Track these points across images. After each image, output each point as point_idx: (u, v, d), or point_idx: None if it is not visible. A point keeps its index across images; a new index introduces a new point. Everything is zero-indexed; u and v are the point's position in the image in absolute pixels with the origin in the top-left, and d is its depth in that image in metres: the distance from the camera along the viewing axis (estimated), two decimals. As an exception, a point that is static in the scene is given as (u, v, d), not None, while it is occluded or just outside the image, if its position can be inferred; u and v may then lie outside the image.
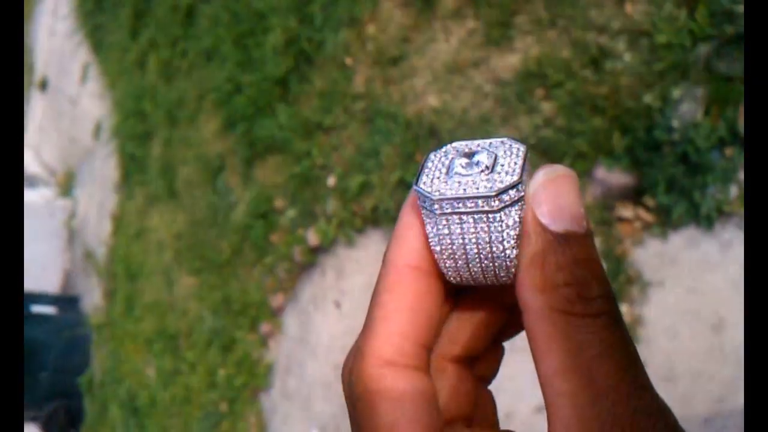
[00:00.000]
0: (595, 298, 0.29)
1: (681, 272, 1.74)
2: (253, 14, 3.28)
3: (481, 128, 2.14)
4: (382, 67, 2.55)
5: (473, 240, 0.31)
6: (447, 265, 0.32)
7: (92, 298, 5.09)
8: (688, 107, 1.71)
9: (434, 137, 2.31)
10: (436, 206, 0.30)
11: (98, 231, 5.09)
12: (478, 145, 0.32)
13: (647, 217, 1.79)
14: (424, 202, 0.31)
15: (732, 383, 1.64)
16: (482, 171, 0.30)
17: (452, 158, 0.32)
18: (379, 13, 2.59)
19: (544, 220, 0.29)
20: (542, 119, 2.00)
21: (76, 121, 5.80)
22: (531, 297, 0.29)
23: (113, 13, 5.12)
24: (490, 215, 0.30)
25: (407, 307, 0.32)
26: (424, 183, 0.31)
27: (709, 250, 1.70)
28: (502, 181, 0.30)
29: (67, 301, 5.53)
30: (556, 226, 0.29)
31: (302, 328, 2.85)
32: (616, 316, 0.29)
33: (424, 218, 0.32)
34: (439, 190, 0.30)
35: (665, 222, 1.76)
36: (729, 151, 1.65)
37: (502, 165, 0.30)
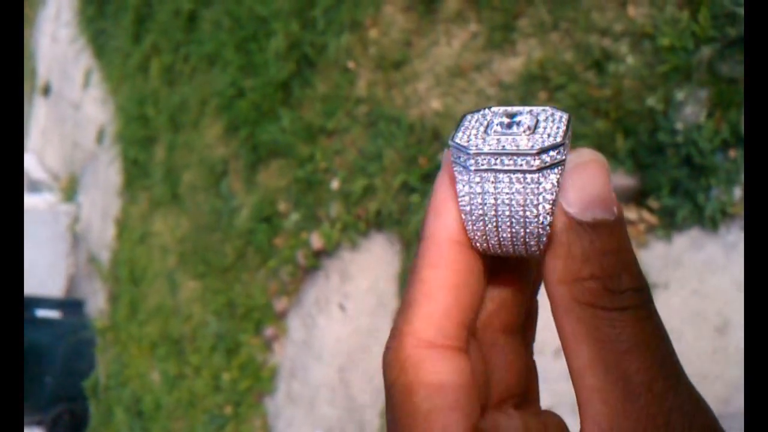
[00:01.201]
0: (624, 291, 0.27)
1: (685, 274, 1.74)
2: (255, 19, 3.28)
3: (484, 131, 2.14)
4: (384, 71, 2.55)
5: (506, 201, 0.29)
6: (476, 228, 0.30)
7: (96, 302, 5.10)
8: (691, 109, 1.71)
9: (437, 141, 2.31)
10: (471, 161, 0.29)
11: (102, 235, 5.10)
12: (518, 110, 0.31)
13: (651, 219, 1.79)
14: (459, 157, 0.30)
15: (737, 385, 1.63)
16: (524, 131, 0.29)
17: (491, 118, 0.31)
18: (381, 17, 2.60)
19: (571, 210, 0.28)
20: (545, 122, 2.00)
21: (79, 127, 5.81)
22: (556, 289, 0.28)
23: (115, 18, 5.12)
24: (527, 175, 0.28)
25: (451, 284, 0.30)
26: (460, 138, 0.30)
27: (713, 252, 1.70)
28: (544, 142, 0.28)
29: (71, 305, 5.53)
30: (584, 216, 0.28)
31: (306, 332, 2.85)
32: (648, 310, 0.28)
33: (456, 176, 0.30)
34: (476, 145, 0.29)
35: (669, 224, 1.76)
36: (732, 153, 1.65)
37: (545, 128, 0.29)
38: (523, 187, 0.29)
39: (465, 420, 0.29)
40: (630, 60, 1.84)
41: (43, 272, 5.58)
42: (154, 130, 4.32)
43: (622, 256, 0.28)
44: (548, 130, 0.29)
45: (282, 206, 3.00)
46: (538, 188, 0.29)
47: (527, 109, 0.31)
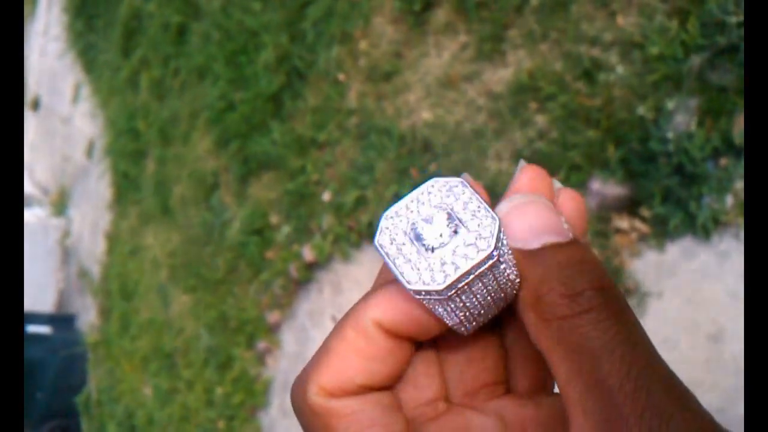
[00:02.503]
0: (580, 293, 0.27)
1: (679, 283, 1.74)
2: (244, 32, 3.28)
3: (474, 142, 2.14)
4: (374, 82, 2.55)
5: (485, 293, 0.29)
6: (462, 323, 0.31)
7: (88, 316, 5.07)
8: (681, 118, 1.72)
9: (428, 151, 2.31)
10: (447, 293, 0.28)
11: (92, 250, 5.08)
12: (418, 210, 0.30)
13: (643, 228, 1.79)
14: (429, 294, 0.29)
15: (732, 393, 1.63)
16: (452, 233, 0.29)
17: (408, 234, 0.30)
18: (371, 28, 2.60)
19: (518, 244, 0.28)
20: (536, 132, 2.01)
21: (69, 141, 5.79)
22: (525, 317, 0.28)
23: (104, 32, 5.12)
24: (494, 268, 0.28)
25: (368, 355, 0.31)
26: (408, 275, 0.29)
27: (706, 260, 1.70)
28: (487, 234, 0.28)
29: (62, 320, 5.50)
30: (531, 244, 0.28)
31: (300, 345, 2.85)
32: (612, 309, 0.27)
33: (431, 306, 0.29)
34: (433, 279, 0.28)
35: (662, 233, 1.76)
36: (724, 161, 1.65)
37: (462, 216, 0.29)
38: (493, 275, 0.29)
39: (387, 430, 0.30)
40: (620, 69, 1.85)
41: (34, 287, 5.54)
42: (144, 144, 4.32)
43: (577, 264, 0.28)
44: (468, 214, 0.29)
45: (273, 219, 2.99)
46: (505, 266, 0.29)
47: (420, 193, 0.30)
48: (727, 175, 1.64)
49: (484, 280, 0.29)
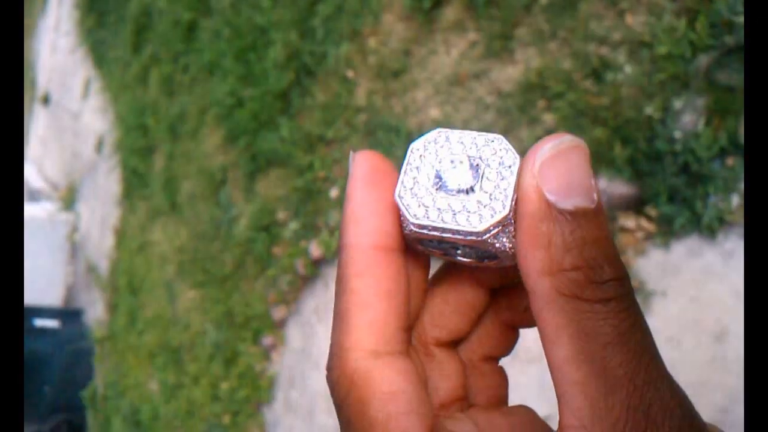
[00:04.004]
0: (606, 281, 0.26)
1: (683, 282, 1.74)
2: (254, 29, 3.29)
3: (482, 140, 2.14)
4: (383, 79, 2.56)
5: (461, 250, 0.29)
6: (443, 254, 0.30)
7: (95, 311, 5.09)
8: (689, 118, 1.72)
9: (436, 149, 2.31)
10: (412, 227, 0.28)
11: (101, 245, 5.10)
12: (465, 148, 0.29)
13: (649, 227, 1.79)
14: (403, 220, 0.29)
15: (735, 393, 1.63)
16: (466, 190, 0.28)
17: (435, 161, 0.29)
18: (380, 26, 2.61)
19: (552, 198, 0.27)
20: (544, 130, 2.01)
21: (79, 136, 5.82)
22: (536, 281, 0.27)
23: (115, 28, 5.14)
24: (476, 241, 0.28)
25: (383, 291, 0.29)
26: (404, 190, 0.29)
27: (711, 259, 1.70)
28: (491, 213, 0.27)
29: (69, 314, 5.53)
30: (565, 204, 0.26)
31: (305, 341, 2.85)
32: (629, 301, 0.27)
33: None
34: (416, 215, 0.28)
35: (667, 232, 1.76)
36: (730, 161, 1.65)
37: (489, 184, 0.28)
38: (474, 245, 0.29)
39: (422, 421, 0.28)
40: (628, 68, 1.85)
41: (42, 281, 5.58)
42: (154, 140, 4.33)
43: (602, 245, 0.27)
44: (493, 190, 0.28)
45: (281, 215, 3.00)
46: (490, 248, 0.28)
47: (479, 138, 0.29)
48: (733, 174, 1.64)
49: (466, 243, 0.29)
